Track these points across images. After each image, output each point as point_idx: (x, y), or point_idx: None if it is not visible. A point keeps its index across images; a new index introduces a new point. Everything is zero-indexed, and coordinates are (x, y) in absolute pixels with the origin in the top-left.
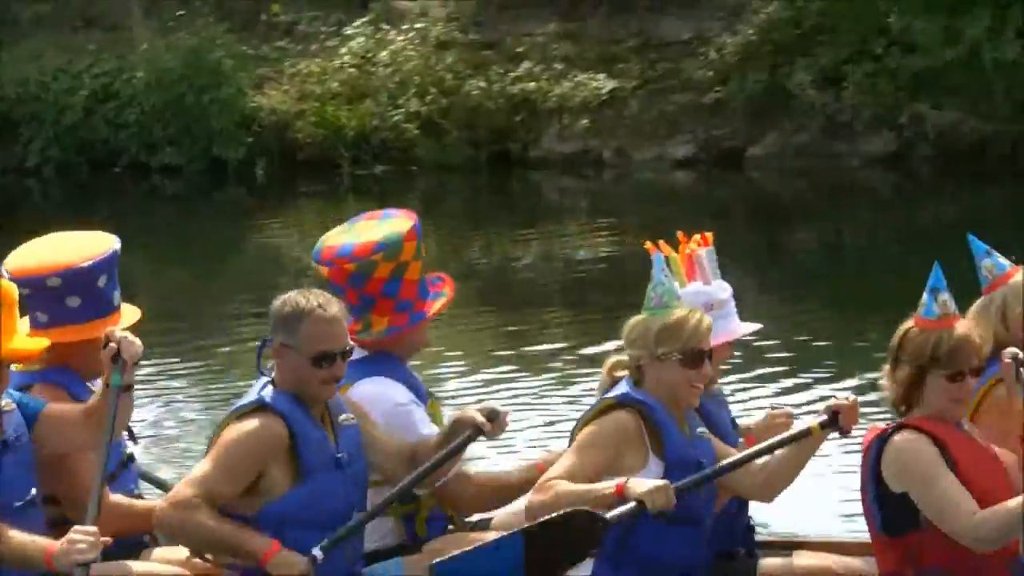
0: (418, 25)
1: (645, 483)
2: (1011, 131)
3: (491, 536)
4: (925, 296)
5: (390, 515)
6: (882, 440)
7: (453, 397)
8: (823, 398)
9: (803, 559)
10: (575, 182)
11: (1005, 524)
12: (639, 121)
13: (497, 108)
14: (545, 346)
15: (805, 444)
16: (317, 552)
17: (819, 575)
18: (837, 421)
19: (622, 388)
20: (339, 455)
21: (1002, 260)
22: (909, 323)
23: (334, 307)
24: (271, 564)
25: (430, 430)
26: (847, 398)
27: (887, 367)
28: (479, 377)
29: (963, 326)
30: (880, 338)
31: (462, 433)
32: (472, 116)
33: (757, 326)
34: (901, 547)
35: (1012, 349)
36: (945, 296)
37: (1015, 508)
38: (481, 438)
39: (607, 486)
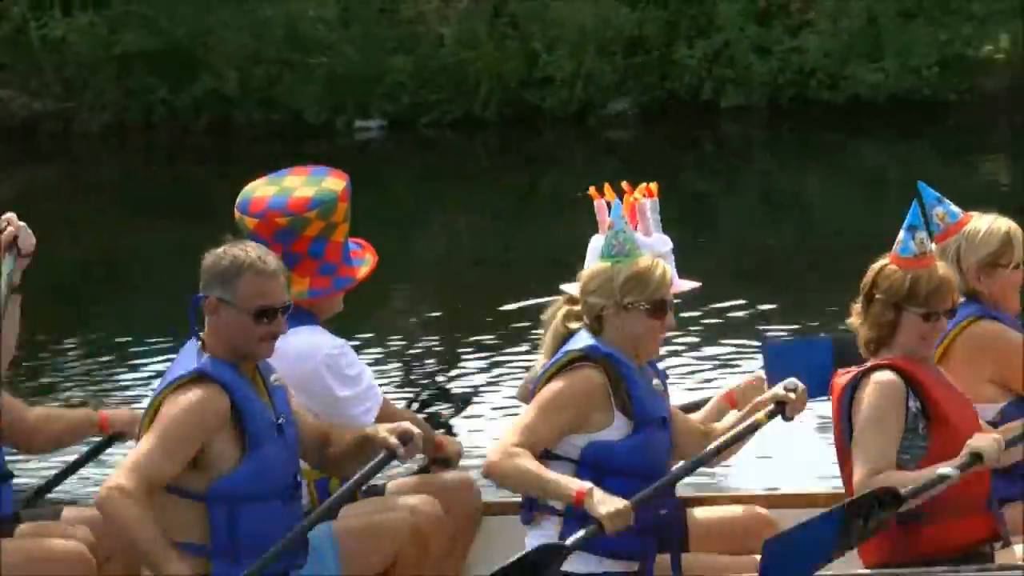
0: None
1: (606, 501)
2: (61, 109)
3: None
4: (902, 234)
5: (303, 478)
6: (856, 381)
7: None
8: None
9: (724, 510)
10: None
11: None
12: None
13: None
14: None
15: (750, 426)
16: None
17: (731, 523)
18: (784, 411)
19: (585, 339)
20: (279, 420)
21: (954, 208)
22: (883, 260)
23: (273, 260)
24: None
25: (361, 407)
26: (795, 388)
27: (856, 305)
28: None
29: (941, 266)
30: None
31: (374, 454)
32: None
33: (696, 284)
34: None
35: None
36: (923, 234)
37: (913, 479)
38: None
39: (568, 489)
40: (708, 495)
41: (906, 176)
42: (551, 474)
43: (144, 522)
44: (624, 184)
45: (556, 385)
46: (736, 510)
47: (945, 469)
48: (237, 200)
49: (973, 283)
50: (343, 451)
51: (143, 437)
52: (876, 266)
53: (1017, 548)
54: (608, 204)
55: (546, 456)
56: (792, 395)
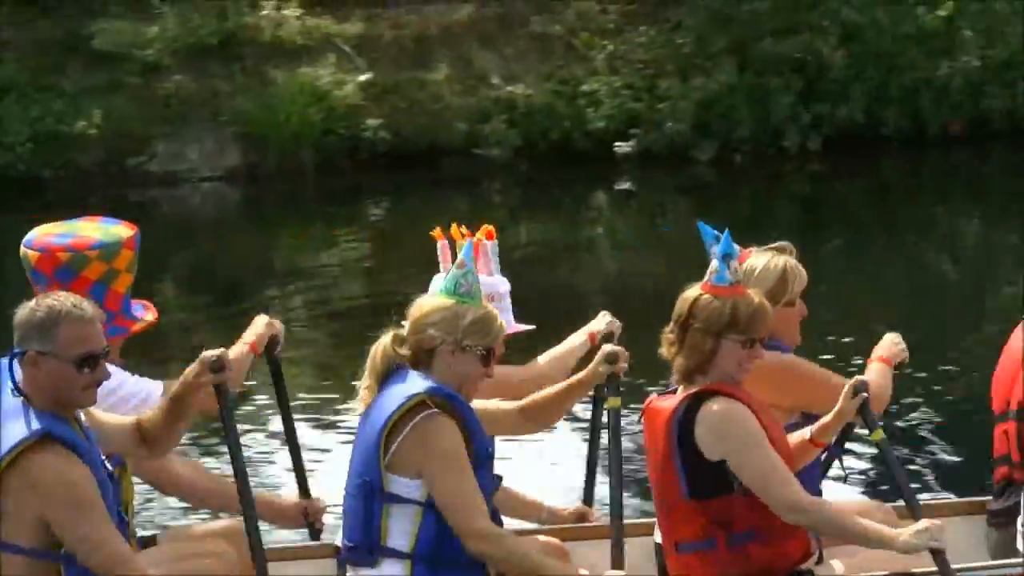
0: None
1: None
2: None
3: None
4: (716, 263)
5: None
6: (690, 407)
7: None
8: None
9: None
10: None
11: (832, 522)
12: None
13: None
14: None
15: (577, 386)
16: None
17: None
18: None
19: (417, 377)
20: (105, 462)
21: (735, 244)
22: (694, 291)
23: (88, 306)
24: None
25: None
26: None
27: (668, 335)
28: None
29: (755, 293)
30: None
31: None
32: None
33: (530, 327)
34: (712, 512)
35: (863, 381)
36: (735, 263)
37: (850, 519)
38: None
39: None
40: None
41: None
42: (543, 559)
43: None
44: (463, 228)
45: (445, 445)
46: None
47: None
48: (41, 236)
49: None
50: (161, 423)
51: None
52: (689, 296)
53: (835, 563)
54: (451, 244)
55: (389, 500)
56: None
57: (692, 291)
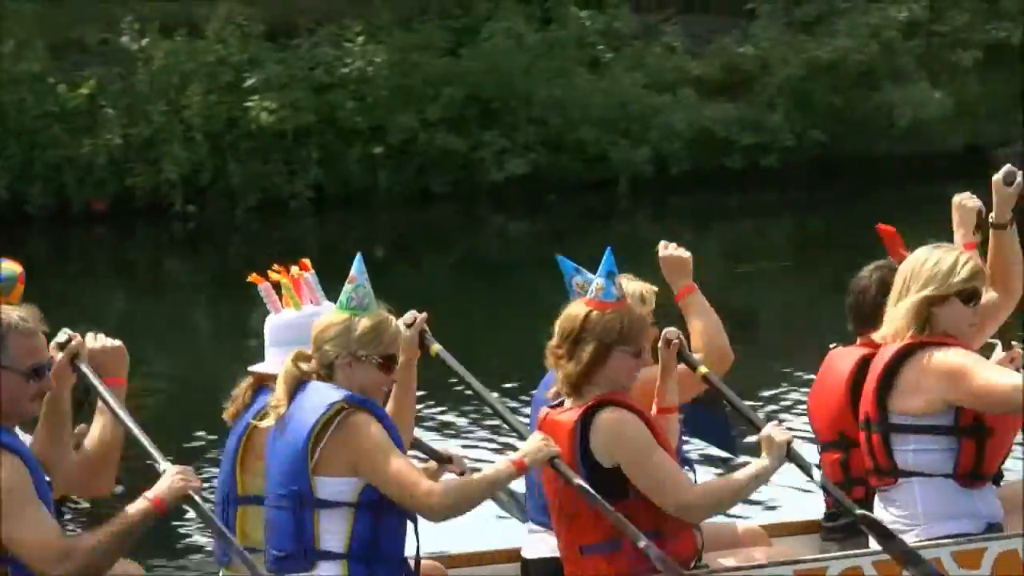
0: None
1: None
2: None
3: None
4: (602, 280)
5: None
6: (587, 417)
7: None
8: None
9: None
10: None
11: (721, 500)
12: None
13: None
14: None
15: None
16: None
17: None
18: None
19: (332, 389)
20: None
21: (591, 275)
22: (580, 308)
23: (32, 319)
24: None
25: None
26: None
27: (557, 349)
28: None
29: (637, 307)
30: None
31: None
32: None
33: None
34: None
35: (673, 330)
36: (619, 279)
37: (729, 485)
38: None
39: (508, 467)
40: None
41: None
42: (485, 473)
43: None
44: (277, 266)
45: (374, 435)
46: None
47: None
48: None
49: None
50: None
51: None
52: (578, 312)
53: (721, 560)
54: (276, 286)
55: (320, 505)
56: None
57: (578, 308)
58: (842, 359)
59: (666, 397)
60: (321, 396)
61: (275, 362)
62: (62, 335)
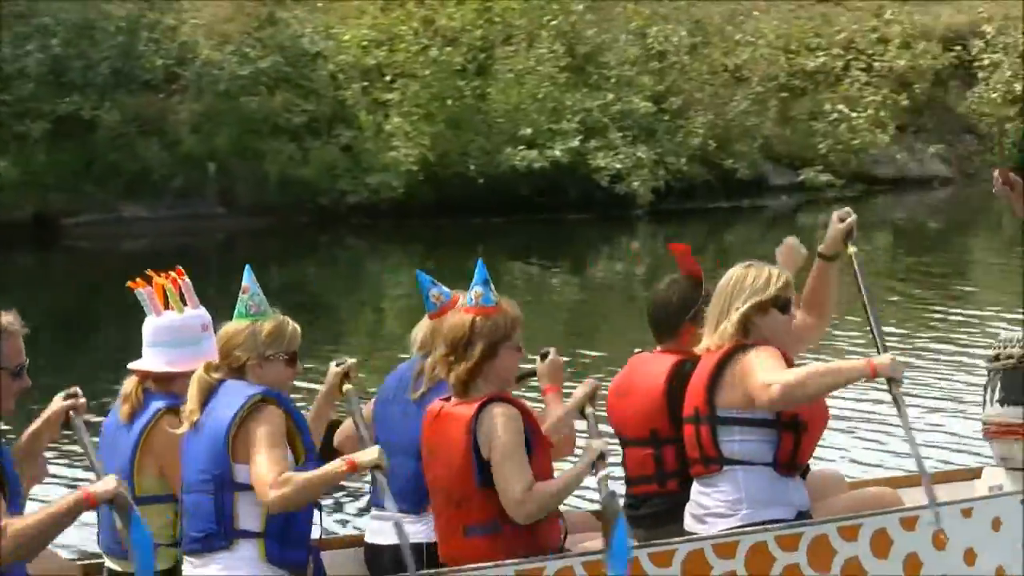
0: None
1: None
2: None
3: None
4: (480, 288)
5: None
6: (480, 411)
7: None
8: None
9: None
10: None
11: (545, 505)
12: None
13: None
14: None
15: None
16: None
17: None
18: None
19: (247, 386)
20: None
21: (446, 288)
22: (461, 316)
23: (16, 321)
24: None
25: None
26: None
27: (447, 357)
28: None
29: (512, 306)
30: None
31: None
32: None
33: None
34: (496, 501)
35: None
36: (491, 285)
37: (549, 488)
38: None
39: (341, 465)
40: None
41: None
42: (324, 468)
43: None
44: (150, 272)
45: (264, 427)
46: None
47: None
48: None
49: None
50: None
51: None
52: (464, 320)
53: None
54: (161, 288)
55: (238, 488)
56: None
57: (460, 317)
58: (652, 363)
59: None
60: (238, 391)
61: (158, 361)
62: (74, 390)
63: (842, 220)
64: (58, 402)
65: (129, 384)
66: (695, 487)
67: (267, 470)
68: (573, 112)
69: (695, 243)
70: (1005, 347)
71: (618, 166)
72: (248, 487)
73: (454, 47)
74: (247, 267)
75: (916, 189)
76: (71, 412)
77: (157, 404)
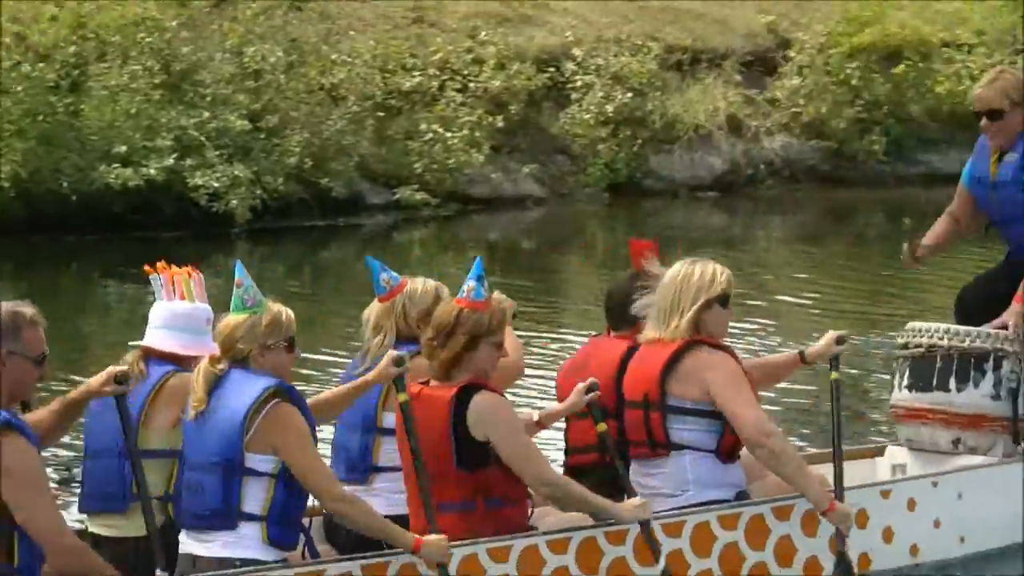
0: None
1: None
2: None
3: None
4: (472, 283)
5: None
6: (463, 396)
7: None
8: None
9: None
10: None
11: (570, 495)
12: None
13: None
14: None
15: (363, 385)
16: None
17: None
18: None
19: (260, 376)
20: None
21: (395, 273)
22: (451, 307)
23: (37, 314)
24: None
25: None
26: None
27: (431, 341)
28: None
29: (499, 304)
30: None
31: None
32: None
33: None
34: (474, 481)
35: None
36: (486, 282)
37: (583, 494)
38: None
39: (406, 537)
40: None
41: None
42: (393, 526)
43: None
44: (162, 263)
45: (299, 427)
46: None
47: None
48: None
49: (415, 329)
50: (49, 423)
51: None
52: (451, 310)
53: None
54: (172, 278)
55: (247, 473)
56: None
57: (449, 307)
58: (607, 348)
59: (552, 420)
60: (251, 382)
61: (173, 343)
62: (116, 368)
63: (840, 343)
64: (107, 379)
65: (132, 356)
66: (635, 467)
67: (331, 482)
68: (168, 129)
69: (291, 261)
70: (914, 336)
71: (216, 184)
72: (257, 473)
73: (47, 63)
74: (238, 262)
75: (510, 208)
76: (120, 384)
77: (164, 368)
